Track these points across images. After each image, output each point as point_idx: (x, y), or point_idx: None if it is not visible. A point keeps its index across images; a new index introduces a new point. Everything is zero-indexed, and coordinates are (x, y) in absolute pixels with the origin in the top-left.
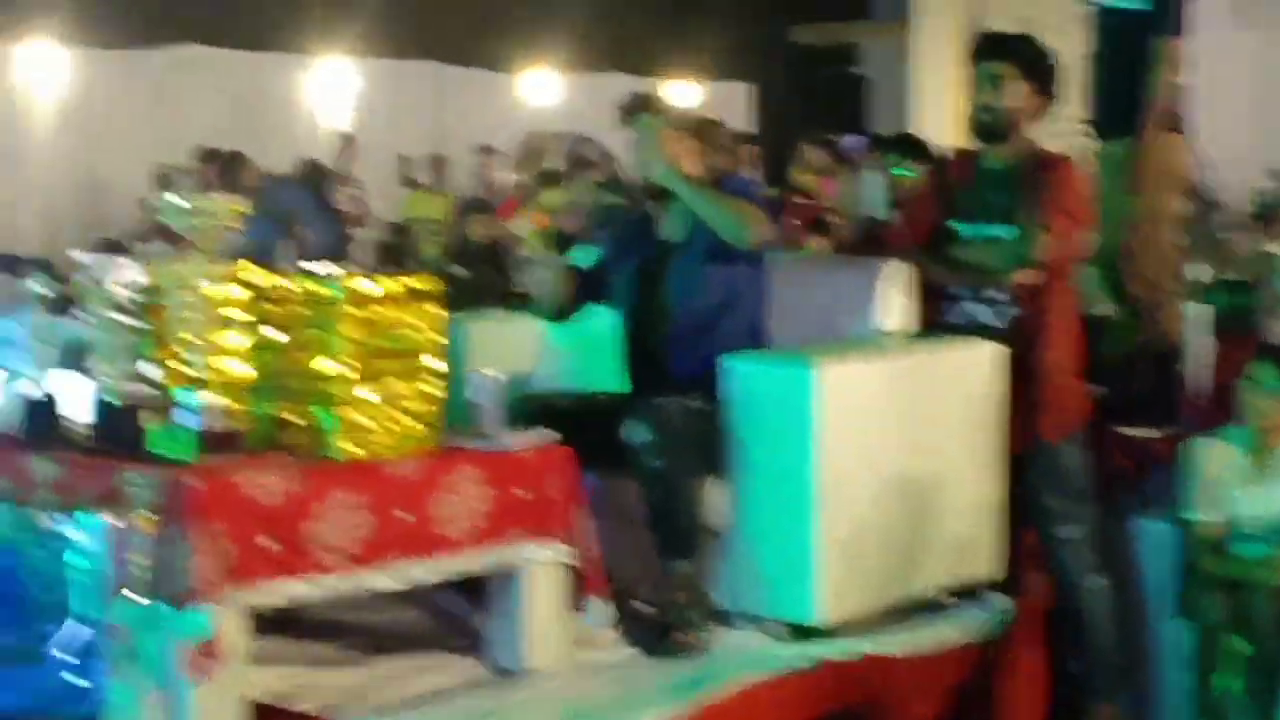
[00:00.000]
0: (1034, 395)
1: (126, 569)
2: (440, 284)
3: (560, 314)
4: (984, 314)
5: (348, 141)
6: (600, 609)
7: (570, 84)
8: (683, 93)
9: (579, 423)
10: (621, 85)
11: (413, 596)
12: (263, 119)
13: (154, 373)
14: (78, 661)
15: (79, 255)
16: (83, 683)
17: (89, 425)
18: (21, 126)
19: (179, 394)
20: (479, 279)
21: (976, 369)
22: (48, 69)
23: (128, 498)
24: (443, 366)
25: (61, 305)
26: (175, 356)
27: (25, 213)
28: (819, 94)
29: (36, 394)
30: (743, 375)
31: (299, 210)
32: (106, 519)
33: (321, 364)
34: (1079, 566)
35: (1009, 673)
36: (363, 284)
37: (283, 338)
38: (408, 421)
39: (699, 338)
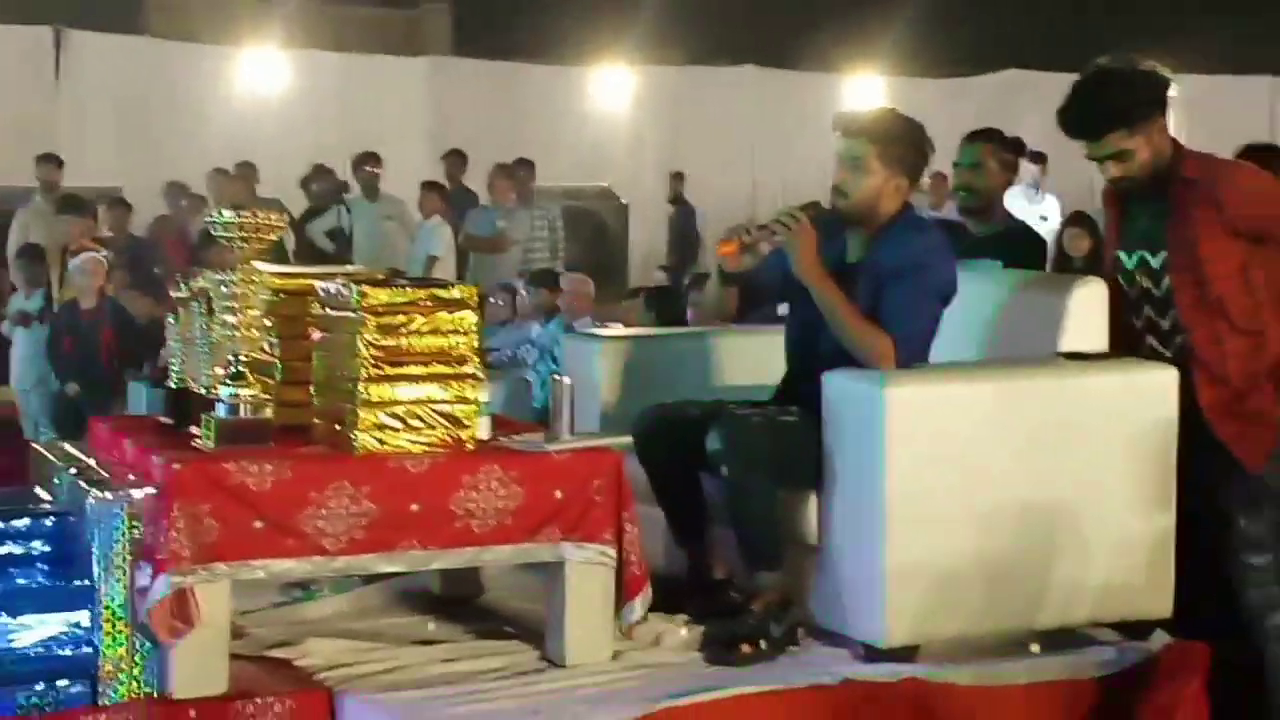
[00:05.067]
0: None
1: (135, 541)
2: (473, 292)
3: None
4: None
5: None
6: (637, 612)
7: None
8: None
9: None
10: None
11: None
12: None
13: (208, 368)
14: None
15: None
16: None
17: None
18: None
19: (222, 389)
20: None
21: (1139, 393)
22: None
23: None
24: (477, 372)
25: None
26: (225, 353)
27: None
28: None
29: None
30: (832, 389)
31: None
32: (135, 495)
33: (348, 366)
34: (1263, 601)
35: (1154, 714)
36: (380, 293)
37: (320, 339)
38: (438, 421)
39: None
